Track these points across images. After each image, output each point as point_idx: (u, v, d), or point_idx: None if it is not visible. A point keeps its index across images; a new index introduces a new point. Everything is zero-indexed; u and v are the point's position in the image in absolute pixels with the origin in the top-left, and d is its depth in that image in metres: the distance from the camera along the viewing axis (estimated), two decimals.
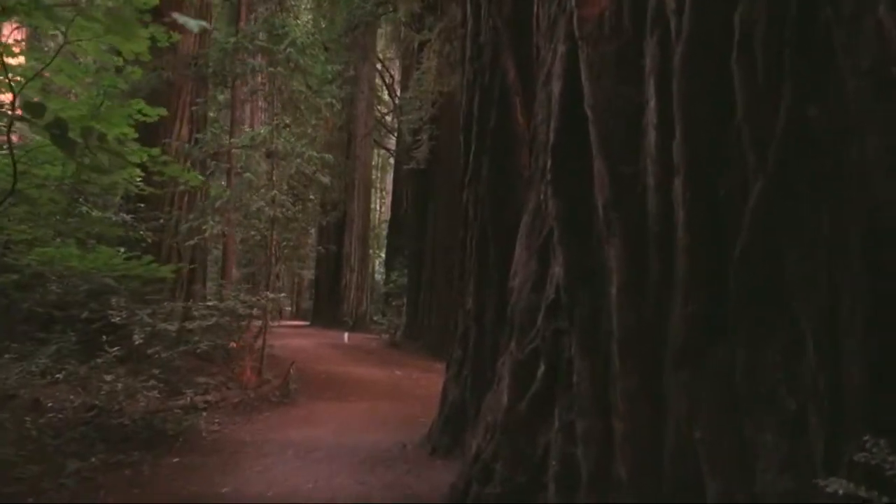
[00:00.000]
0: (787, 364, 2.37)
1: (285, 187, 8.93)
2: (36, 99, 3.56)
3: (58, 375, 5.48)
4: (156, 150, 4.56)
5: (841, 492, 1.88)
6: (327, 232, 18.33)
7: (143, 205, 7.57)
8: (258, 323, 8.41)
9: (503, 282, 4.44)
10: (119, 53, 3.99)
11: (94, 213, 6.27)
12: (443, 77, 11.55)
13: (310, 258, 19.47)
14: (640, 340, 2.85)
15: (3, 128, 3.00)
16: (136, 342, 6.16)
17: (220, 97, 12.54)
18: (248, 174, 8.59)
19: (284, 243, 9.16)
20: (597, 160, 3.13)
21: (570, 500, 2.96)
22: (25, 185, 4.00)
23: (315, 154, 8.84)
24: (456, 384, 5.31)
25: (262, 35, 9.06)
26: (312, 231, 18.24)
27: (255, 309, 8.11)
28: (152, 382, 5.59)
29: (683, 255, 2.73)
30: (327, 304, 19.12)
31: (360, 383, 9.00)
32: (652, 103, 2.91)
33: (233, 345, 8.24)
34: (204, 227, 8.41)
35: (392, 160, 21.81)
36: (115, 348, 5.57)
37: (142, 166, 4.88)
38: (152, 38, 3.60)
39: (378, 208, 27.55)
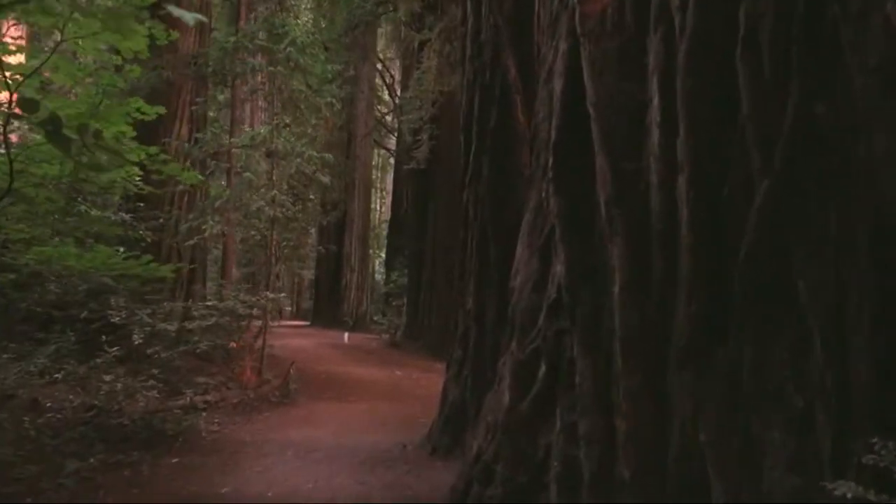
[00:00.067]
0: (794, 362, 2.34)
1: (285, 187, 8.91)
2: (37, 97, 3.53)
3: (57, 375, 5.45)
4: (154, 149, 4.53)
5: (850, 495, 1.85)
6: (327, 232, 18.31)
7: (142, 204, 7.55)
8: (258, 323, 8.39)
9: (504, 281, 4.42)
10: (118, 52, 3.96)
11: (93, 213, 6.24)
12: (443, 77, 11.53)
13: (310, 258, 19.45)
14: (643, 339, 2.82)
15: None
16: (136, 342, 6.14)
17: (220, 96, 12.53)
18: (247, 174, 8.57)
19: (284, 243, 9.14)
20: (599, 157, 3.10)
21: (572, 500, 2.94)
22: (22, 183, 3.97)
23: (315, 154, 8.82)
24: (456, 384, 5.29)
25: (262, 34, 9.04)
26: (312, 231, 18.22)
27: (255, 309, 8.09)
28: (152, 382, 5.56)
29: (687, 254, 2.70)
30: (327, 304, 19.10)
31: (361, 383, 8.97)
32: (655, 100, 2.89)
33: (233, 345, 8.22)
34: (204, 227, 8.39)
35: (392, 160, 21.80)
36: (115, 348, 5.55)
37: (140, 165, 4.85)
38: (151, 37, 3.58)
39: (378, 208, 27.53)
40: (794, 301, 2.39)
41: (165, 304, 7.19)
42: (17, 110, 2.70)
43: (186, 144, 8.96)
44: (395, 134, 19.67)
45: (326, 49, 11.54)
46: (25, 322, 6.17)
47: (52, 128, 2.03)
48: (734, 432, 2.46)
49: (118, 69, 4.62)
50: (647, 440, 2.72)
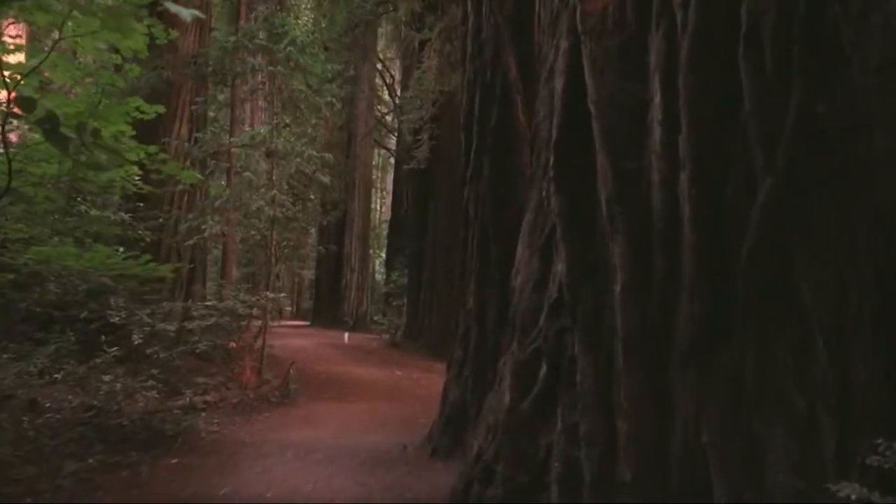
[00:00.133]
0: (796, 362, 2.33)
1: (285, 187, 8.89)
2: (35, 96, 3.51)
3: (56, 375, 5.44)
4: (153, 148, 4.51)
5: (854, 496, 1.83)
6: (327, 232, 18.30)
7: (142, 204, 7.53)
8: (258, 323, 8.37)
9: (504, 281, 4.40)
10: (117, 51, 3.95)
11: (93, 212, 6.23)
12: (443, 76, 11.52)
13: (310, 258, 19.44)
14: (644, 339, 2.81)
15: None
16: (135, 342, 6.12)
17: (220, 96, 12.52)
18: (247, 173, 8.55)
19: (284, 243, 9.12)
20: (600, 155, 3.09)
21: (573, 501, 2.92)
22: (21, 183, 3.96)
23: (315, 153, 8.80)
24: (457, 384, 5.27)
25: (261, 34, 9.02)
26: (312, 231, 18.21)
27: (255, 309, 8.07)
28: (151, 382, 5.55)
29: (689, 253, 2.69)
30: (327, 304, 19.09)
31: (361, 383, 8.95)
32: (657, 98, 2.87)
33: (232, 345, 8.21)
34: (203, 227, 8.37)
35: (392, 160, 21.79)
36: (114, 348, 5.53)
37: (140, 165, 4.83)
38: (150, 36, 3.56)
39: (378, 208, 27.52)
40: (796, 301, 2.37)
41: (165, 304, 7.18)
42: (16, 110, 2.68)
43: (186, 144, 8.95)
44: (396, 134, 19.66)
45: (326, 49, 11.53)
46: (25, 322, 6.16)
47: (50, 126, 2.01)
48: (737, 433, 2.44)
49: (118, 68, 4.61)
50: (648, 441, 2.70)
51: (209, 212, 8.58)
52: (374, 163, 23.86)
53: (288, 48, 8.57)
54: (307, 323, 20.12)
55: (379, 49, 20.22)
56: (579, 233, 3.27)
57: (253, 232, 8.94)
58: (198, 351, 7.07)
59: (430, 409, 5.88)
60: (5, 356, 5.10)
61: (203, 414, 6.13)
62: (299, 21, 12.07)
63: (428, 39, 11.83)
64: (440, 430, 5.17)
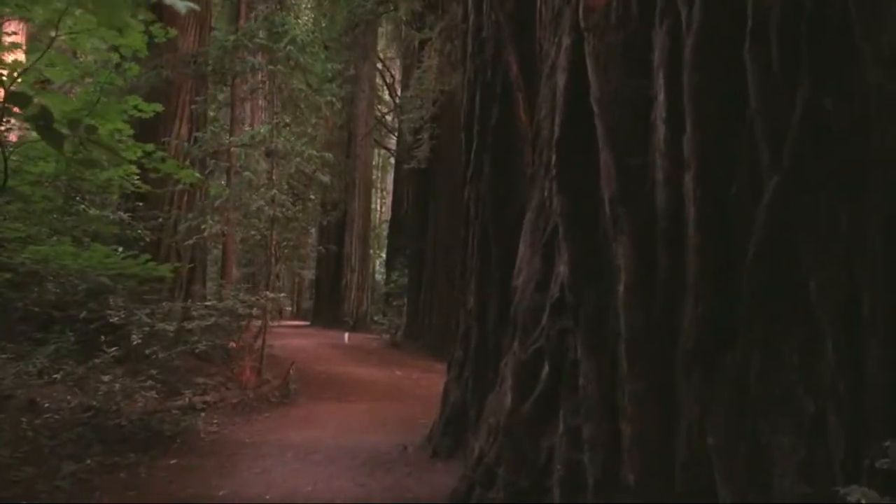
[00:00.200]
0: (804, 364, 2.29)
1: (285, 186, 8.86)
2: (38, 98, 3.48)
3: (55, 376, 5.42)
4: (150, 146, 4.48)
5: (863, 501, 1.79)
6: (328, 232, 18.28)
7: (141, 203, 7.50)
8: (258, 323, 8.34)
9: (505, 280, 4.36)
10: (117, 50, 3.92)
11: (91, 211, 6.20)
12: (444, 76, 11.48)
13: (310, 258, 19.42)
14: (648, 340, 2.77)
15: None
16: (135, 342, 6.09)
17: (220, 95, 12.50)
18: (247, 173, 8.52)
19: (284, 243, 9.09)
20: (603, 152, 3.05)
21: None
22: (18, 181, 3.93)
23: (315, 153, 8.77)
24: (457, 385, 5.23)
25: (261, 33, 8.98)
26: (313, 231, 18.19)
27: (255, 309, 8.04)
28: (150, 383, 5.52)
29: (694, 253, 2.65)
30: (328, 304, 19.07)
31: (361, 384, 8.92)
32: (661, 96, 2.83)
33: (232, 345, 8.18)
34: (203, 227, 8.34)
35: (393, 160, 21.76)
36: (113, 348, 5.51)
37: (138, 164, 4.80)
38: (149, 34, 3.52)
39: (379, 208, 27.50)
40: (804, 301, 2.33)
41: (164, 303, 7.15)
42: (15, 110, 2.65)
43: (186, 143, 8.92)
44: (396, 133, 19.63)
45: (327, 48, 11.49)
46: (24, 322, 6.14)
47: (44, 122, 1.98)
48: (742, 436, 2.40)
49: (117, 67, 4.58)
50: (652, 444, 2.66)
51: (209, 211, 8.55)
52: (374, 163, 23.83)
53: (288, 47, 8.53)
54: (307, 323, 20.10)
55: (379, 48, 20.19)
56: (582, 232, 3.23)
57: (253, 232, 8.91)
58: (197, 351, 7.04)
59: (430, 410, 5.84)
60: (4, 356, 5.07)
61: (202, 414, 6.10)
62: (299, 20, 12.04)
63: (428, 39, 11.79)
64: (440, 431, 5.14)
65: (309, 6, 16.03)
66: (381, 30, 18.58)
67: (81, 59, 5.52)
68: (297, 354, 9.67)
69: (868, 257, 2.21)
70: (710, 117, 2.68)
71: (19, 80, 3.20)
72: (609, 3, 3.09)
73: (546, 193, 3.66)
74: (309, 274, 21.76)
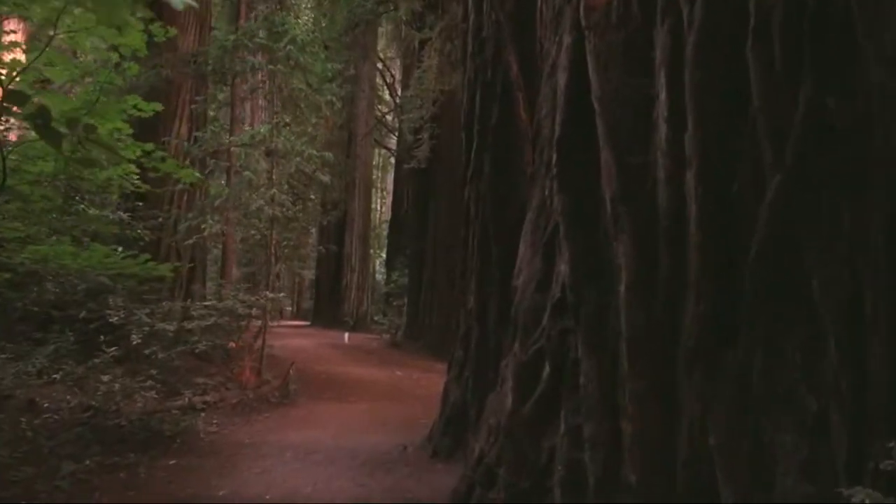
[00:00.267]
0: (807, 362, 2.27)
1: (285, 186, 8.85)
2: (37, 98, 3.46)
3: (54, 376, 5.41)
4: (150, 146, 4.47)
5: (867, 501, 1.78)
6: (328, 231, 18.26)
7: (141, 203, 7.49)
8: (258, 323, 8.33)
9: (505, 280, 4.35)
10: (116, 49, 3.91)
11: (91, 211, 6.19)
12: (444, 75, 11.47)
13: (310, 258, 19.41)
14: (649, 339, 2.76)
15: None
16: (134, 342, 6.08)
17: (220, 95, 12.49)
18: (247, 173, 8.51)
19: (284, 243, 9.08)
20: (604, 151, 3.04)
21: None
22: (17, 181, 3.92)
23: (315, 153, 8.76)
24: (457, 385, 5.22)
25: (261, 33, 8.97)
26: (313, 231, 18.19)
27: (255, 309, 8.03)
28: (150, 383, 5.51)
29: (695, 252, 2.64)
30: (328, 303, 19.06)
31: (361, 384, 8.91)
32: (663, 94, 2.82)
33: (232, 345, 8.17)
34: (203, 226, 8.33)
35: (393, 159, 21.75)
36: (113, 348, 5.50)
37: (138, 163, 4.79)
38: (149, 34, 3.51)
39: (379, 208, 27.49)
40: (806, 299, 2.32)
41: (164, 303, 7.14)
42: (14, 109, 2.64)
43: (186, 143, 8.91)
44: (396, 133, 19.62)
45: (327, 48, 11.48)
46: (24, 322, 6.12)
47: (41, 121, 1.96)
48: (744, 435, 2.39)
49: (116, 66, 4.57)
50: (653, 443, 2.65)
51: (209, 211, 8.54)
52: (374, 162, 23.82)
53: (288, 47, 8.52)
54: (307, 323, 20.09)
55: (379, 48, 20.18)
56: (583, 231, 3.22)
57: (253, 231, 8.90)
58: (197, 351, 7.03)
59: (430, 410, 5.83)
60: (3, 356, 5.06)
61: (202, 414, 6.09)
62: (299, 20, 12.03)
63: (428, 38, 11.78)
64: (441, 431, 5.13)
65: (309, 6, 16.03)
66: (381, 30, 18.57)
67: (81, 59, 5.52)
68: (297, 354, 9.66)
69: (871, 256, 2.20)
70: (711, 115, 2.67)
71: (18, 78, 3.19)
72: (610, 2, 3.08)
73: (547, 193, 3.65)
74: (309, 274, 21.75)
